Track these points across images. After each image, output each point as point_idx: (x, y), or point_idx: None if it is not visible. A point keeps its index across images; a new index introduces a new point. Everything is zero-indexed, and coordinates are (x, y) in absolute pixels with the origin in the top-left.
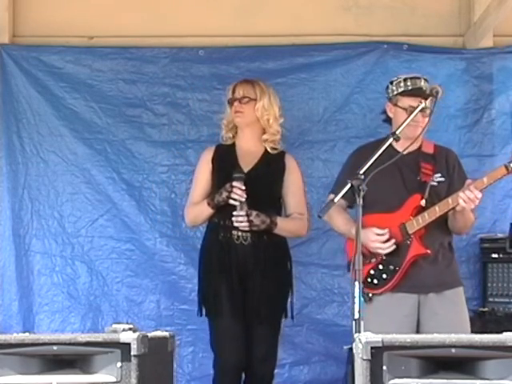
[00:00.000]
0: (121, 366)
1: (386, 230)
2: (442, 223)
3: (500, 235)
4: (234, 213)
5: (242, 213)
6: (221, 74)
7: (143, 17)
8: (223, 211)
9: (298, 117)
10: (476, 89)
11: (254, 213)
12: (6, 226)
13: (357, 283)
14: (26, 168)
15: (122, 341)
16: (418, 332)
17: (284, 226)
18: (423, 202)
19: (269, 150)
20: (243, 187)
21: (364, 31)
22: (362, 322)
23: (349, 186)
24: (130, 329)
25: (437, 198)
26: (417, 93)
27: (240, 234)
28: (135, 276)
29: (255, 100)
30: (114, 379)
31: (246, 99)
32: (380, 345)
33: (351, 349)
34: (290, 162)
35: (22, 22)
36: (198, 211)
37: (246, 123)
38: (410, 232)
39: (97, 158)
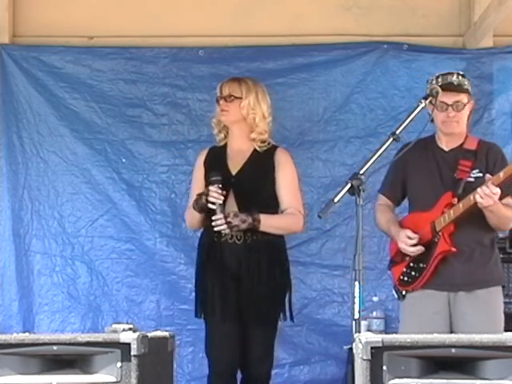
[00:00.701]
0: (121, 366)
1: (417, 236)
2: (479, 220)
3: (500, 235)
4: (213, 217)
5: (220, 216)
6: (221, 73)
7: (143, 17)
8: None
9: (298, 117)
10: (476, 89)
11: (232, 213)
12: (6, 225)
13: (357, 283)
14: (25, 168)
15: (122, 341)
16: (451, 331)
17: (271, 223)
18: (455, 200)
19: (257, 148)
20: (219, 190)
21: (364, 31)
22: (362, 322)
23: (349, 186)
24: (130, 329)
25: None
26: (445, 88)
27: (232, 233)
28: (135, 276)
29: (240, 98)
30: (113, 379)
31: (232, 97)
32: (380, 345)
33: (351, 349)
34: (280, 157)
35: (22, 22)
36: (190, 216)
37: (232, 121)
38: (438, 229)
39: (97, 158)
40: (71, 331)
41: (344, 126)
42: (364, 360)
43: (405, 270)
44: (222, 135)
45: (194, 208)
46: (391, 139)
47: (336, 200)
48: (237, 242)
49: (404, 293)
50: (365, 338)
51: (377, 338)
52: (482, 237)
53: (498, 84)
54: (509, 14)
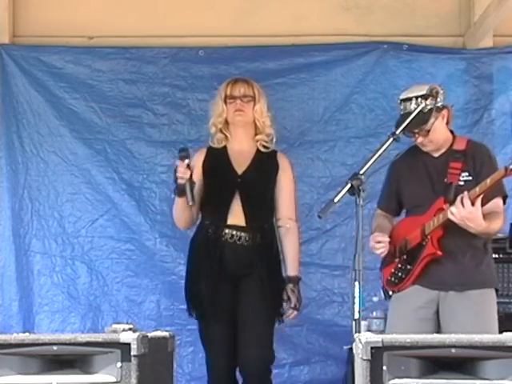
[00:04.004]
0: (121, 366)
1: (386, 238)
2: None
3: (500, 235)
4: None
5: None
6: (221, 74)
7: (143, 17)
8: (215, 211)
9: (298, 117)
10: (476, 89)
11: (294, 299)
12: (5, 226)
13: (357, 283)
14: (25, 168)
15: (121, 341)
16: (439, 331)
17: (298, 260)
18: (446, 205)
19: (261, 149)
20: (185, 164)
21: (364, 31)
22: (362, 322)
23: (349, 186)
24: (129, 329)
25: None
26: (402, 122)
27: (234, 233)
28: (135, 276)
29: (254, 100)
30: (113, 379)
31: (247, 98)
32: (380, 345)
33: (351, 349)
34: (283, 161)
35: (22, 22)
36: (175, 209)
37: (246, 122)
38: (427, 233)
39: (97, 158)
40: (71, 331)
41: (344, 125)
42: (364, 360)
43: (393, 271)
44: (223, 136)
45: (175, 194)
46: (391, 139)
47: (336, 200)
48: (238, 242)
49: (390, 293)
50: (365, 338)
51: (377, 338)
52: (473, 239)
53: (498, 84)
54: (509, 14)
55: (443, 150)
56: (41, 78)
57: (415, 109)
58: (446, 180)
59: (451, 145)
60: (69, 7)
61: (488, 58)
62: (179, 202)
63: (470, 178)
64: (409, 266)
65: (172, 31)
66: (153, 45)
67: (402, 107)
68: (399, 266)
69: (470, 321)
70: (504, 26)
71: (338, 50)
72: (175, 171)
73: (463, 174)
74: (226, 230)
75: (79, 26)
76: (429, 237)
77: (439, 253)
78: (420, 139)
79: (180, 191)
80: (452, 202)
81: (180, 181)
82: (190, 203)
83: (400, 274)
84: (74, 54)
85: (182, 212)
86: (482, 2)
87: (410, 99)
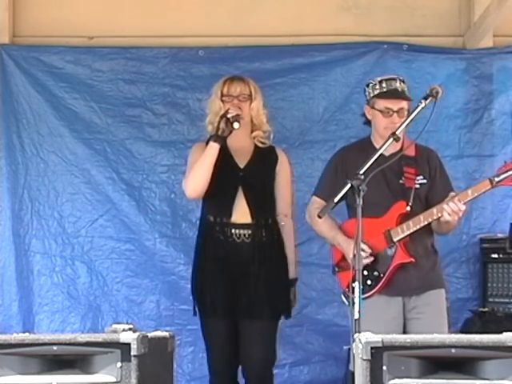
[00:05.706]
0: (121, 366)
1: (369, 250)
2: (424, 227)
3: (500, 235)
4: None
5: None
6: (221, 74)
7: (143, 17)
8: (220, 207)
9: (298, 117)
10: (476, 89)
11: (294, 302)
12: (5, 225)
13: (357, 283)
14: (25, 168)
15: (121, 341)
16: (404, 333)
17: (295, 261)
18: (408, 209)
19: (259, 144)
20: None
21: (364, 31)
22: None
23: (348, 186)
24: (129, 329)
25: (419, 200)
26: (392, 95)
27: (240, 232)
28: (135, 276)
29: (251, 98)
30: (113, 379)
31: (244, 97)
32: (380, 345)
33: (351, 349)
34: (281, 156)
35: (22, 22)
36: (200, 163)
37: (243, 122)
38: (395, 240)
39: (96, 158)
40: (71, 331)
41: (344, 126)
42: (364, 360)
43: None
44: None
45: (214, 141)
46: (391, 139)
47: (336, 200)
48: (245, 240)
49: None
50: (365, 338)
51: (377, 338)
52: (427, 242)
53: (498, 84)
54: (509, 14)
55: (394, 150)
56: (41, 78)
57: (402, 88)
58: (401, 181)
59: (401, 148)
60: (69, 7)
61: (488, 58)
62: (213, 153)
63: (425, 180)
64: (376, 273)
65: (172, 31)
66: (153, 45)
67: (383, 85)
68: (364, 272)
69: (431, 320)
70: (504, 26)
71: (337, 50)
72: (224, 117)
73: (418, 178)
74: (233, 230)
75: (79, 26)
76: (397, 243)
77: (412, 259)
78: (397, 120)
79: (224, 136)
80: (412, 206)
81: (231, 115)
82: (237, 127)
83: (368, 282)
84: (74, 53)
85: (209, 168)
86: (482, 1)
87: (393, 79)
